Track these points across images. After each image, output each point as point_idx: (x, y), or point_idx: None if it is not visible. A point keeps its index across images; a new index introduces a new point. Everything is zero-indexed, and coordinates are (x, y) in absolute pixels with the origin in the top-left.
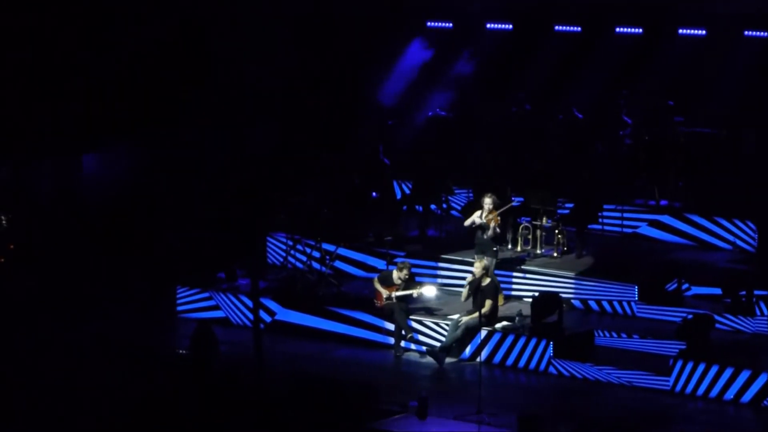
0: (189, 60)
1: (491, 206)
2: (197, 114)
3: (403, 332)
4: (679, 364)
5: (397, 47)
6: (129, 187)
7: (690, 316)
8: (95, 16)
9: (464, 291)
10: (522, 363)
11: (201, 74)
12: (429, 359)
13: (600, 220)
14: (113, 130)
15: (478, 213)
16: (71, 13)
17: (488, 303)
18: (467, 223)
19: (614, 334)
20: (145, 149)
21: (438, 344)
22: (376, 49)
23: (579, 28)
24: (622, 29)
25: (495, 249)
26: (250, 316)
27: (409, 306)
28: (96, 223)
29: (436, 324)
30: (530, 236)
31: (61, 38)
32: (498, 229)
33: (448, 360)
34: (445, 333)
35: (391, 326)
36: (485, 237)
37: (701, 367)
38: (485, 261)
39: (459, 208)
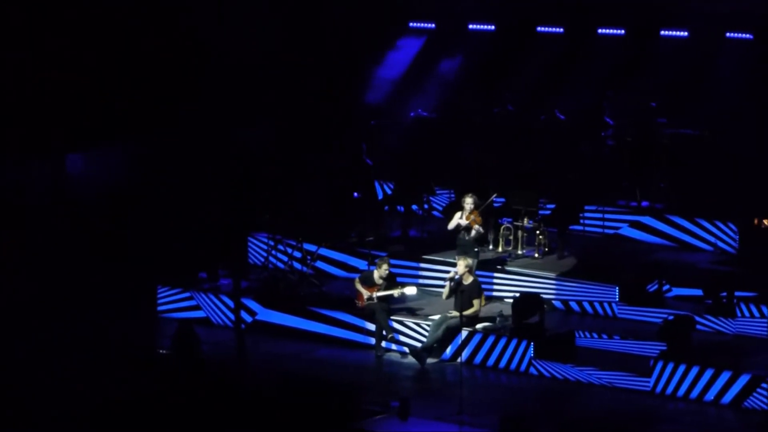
0: (176, 61)
1: (472, 206)
2: (183, 114)
3: (385, 332)
4: (659, 365)
5: (380, 47)
6: (112, 187)
7: (671, 317)
8: (85, 15)
9: (445, 288)
10: (503, 363)
11: (188, 75)
12: (410, 359)
13: (581, 221)
14: (99, 131)
15: (458, 214)
16: (61, 14)
17: (476, 302)
18: (451, 225)
19: (595, 335)
20: (131, 150)
21: (420, 345)
22: (359, 49)
23: (561, 30)
24: (604, 30)
25: (476, 250)
26: (232, 316)
27: (391, 306)
28: (80, 222)
29: (418, 324)
30: (512, 237)
31: (50, 38)
32: (481, 229)
33: (429, 360)
34: (427, 333)
35: (372, 326)
36: (468, 238)
37: (682, 368)
38: (469, 260)
39: (440, 208)
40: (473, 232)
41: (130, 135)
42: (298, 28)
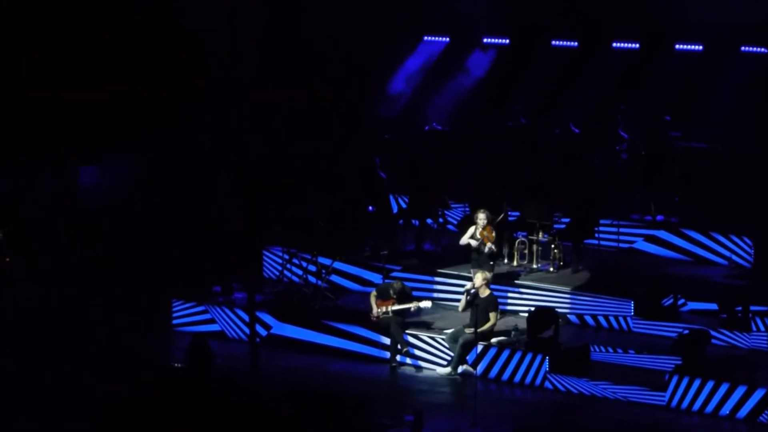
0: (186, 72)
1: (485, 221)
2: (194, 126)
3: (399, 346)
4: (674, 379)
5: (395, 61)
6: (126, 199)
7: (686, 332)
8: (92, 26)
9: (462, 300)
10: (518, 378)
11: (198, 86)
12: (425, 373)
13: (596, 234)
14: (110, 142)
15: (471, 229)
16: (68, 24)
17: (492, 316)
18: (463, 242)
19: (610, 349)
20: (143, 161)
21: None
22: (373, 62)
23: (576, 43)
24: (618, 44)
25: (491, 263)
26: (246, 329)
27: (405, 320)
28: (93, 234)
29: (432, 338)
30: (526, 251)
31: (58, 49)
32: (494, 247)
33: (443, 372)
34: (439, 346)
35: (387, 340)
36: (482, 253)
37: (697, 383)
38: (487, 273)
39: (455, 222)
40: (486, 249)
41: (143, 147)
42: (310, 41)
